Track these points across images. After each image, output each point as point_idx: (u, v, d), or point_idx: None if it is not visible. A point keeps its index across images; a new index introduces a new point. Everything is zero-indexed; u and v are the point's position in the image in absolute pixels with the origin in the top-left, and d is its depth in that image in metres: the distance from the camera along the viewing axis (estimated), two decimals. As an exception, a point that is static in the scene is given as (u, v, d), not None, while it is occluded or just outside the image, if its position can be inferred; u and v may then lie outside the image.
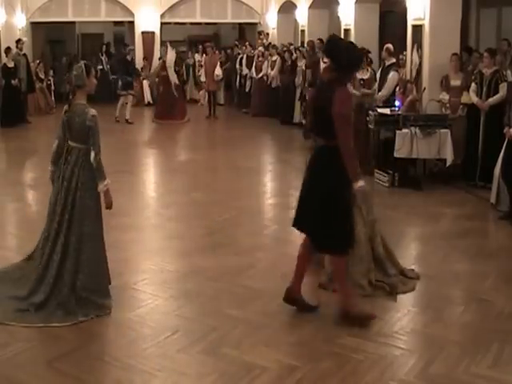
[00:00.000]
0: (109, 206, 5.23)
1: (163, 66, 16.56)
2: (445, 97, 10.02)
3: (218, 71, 17.40)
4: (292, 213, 5.27)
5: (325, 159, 4.94)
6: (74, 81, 5.16)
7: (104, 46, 22.11)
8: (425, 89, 10.41)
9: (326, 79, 5.12)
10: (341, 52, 4.88)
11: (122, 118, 16.31)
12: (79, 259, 5.12)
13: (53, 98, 19.16)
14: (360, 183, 4.83)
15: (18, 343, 4.61)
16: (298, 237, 7.76)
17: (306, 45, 16.15)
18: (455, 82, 9.98)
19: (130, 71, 17.00)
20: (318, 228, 4.98)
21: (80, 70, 5.15)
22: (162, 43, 21.31)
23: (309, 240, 5.13)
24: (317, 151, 5.04)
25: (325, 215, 4.91)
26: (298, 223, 5.17)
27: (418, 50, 10.82)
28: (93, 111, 5.11)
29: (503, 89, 9.00)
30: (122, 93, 16.64)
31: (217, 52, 18.68)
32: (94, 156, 5.08)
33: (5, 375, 4.22)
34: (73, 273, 5.11)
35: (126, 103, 16.56)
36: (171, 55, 16.59)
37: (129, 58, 17.84)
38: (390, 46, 11.26)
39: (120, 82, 16.88)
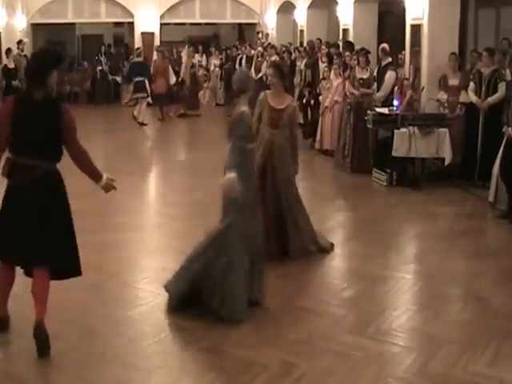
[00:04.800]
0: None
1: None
2: (443, 96, 10.04)
3: (172, 80, 17.49)
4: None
5: None
6: None
7: (103, 47, 22.12)
8: (423, 88, 10.44)
9: None
10: None
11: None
12: None
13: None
14: None
15: (19, 340, 4.63)
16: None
17: (305, 44, 16.16)
18: (453, 81, 9.99)
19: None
20: None
21: None
22: (162, 44, 21.35)
23: None
24: None
25: None
26: None
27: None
28: None
29: (502, 88, 9.00)
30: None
31: (166, 58, 18.02)
32: None
33: (6, 372, 4.24)
34: None
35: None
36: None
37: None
38: (385, 45, 11.29)
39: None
